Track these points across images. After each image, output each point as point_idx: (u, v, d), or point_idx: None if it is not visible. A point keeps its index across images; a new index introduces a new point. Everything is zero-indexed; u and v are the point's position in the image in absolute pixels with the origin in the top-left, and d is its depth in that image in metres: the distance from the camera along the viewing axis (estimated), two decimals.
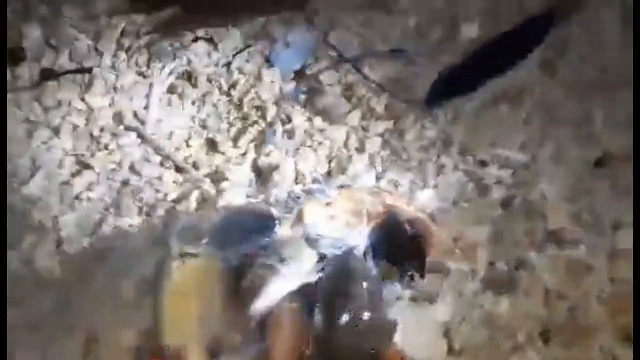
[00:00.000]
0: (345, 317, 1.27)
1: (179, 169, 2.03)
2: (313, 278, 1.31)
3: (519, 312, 1.45)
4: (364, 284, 1.32)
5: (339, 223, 1.43)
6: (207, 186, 1.93)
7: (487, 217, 1.65)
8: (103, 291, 1.67)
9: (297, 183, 1.87)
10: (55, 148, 2.16)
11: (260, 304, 1.26)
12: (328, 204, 1.46)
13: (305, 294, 1.29)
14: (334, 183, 1.81)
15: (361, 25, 2.33)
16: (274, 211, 1.52)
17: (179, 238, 1.43)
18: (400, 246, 1.44)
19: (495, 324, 1.45)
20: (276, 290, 1.27)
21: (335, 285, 1.31)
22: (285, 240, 1.36)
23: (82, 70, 2.38)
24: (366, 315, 1.28)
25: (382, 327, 1.30)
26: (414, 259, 1.44)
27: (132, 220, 1.92)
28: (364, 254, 1.41)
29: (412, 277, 1.46)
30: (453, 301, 1.46)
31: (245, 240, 1.38)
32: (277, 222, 1.47)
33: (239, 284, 1.31)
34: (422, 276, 1.43)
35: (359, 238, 1.42)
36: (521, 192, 1.71)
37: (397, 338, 1.29)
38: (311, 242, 1.38)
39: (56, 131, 2.20)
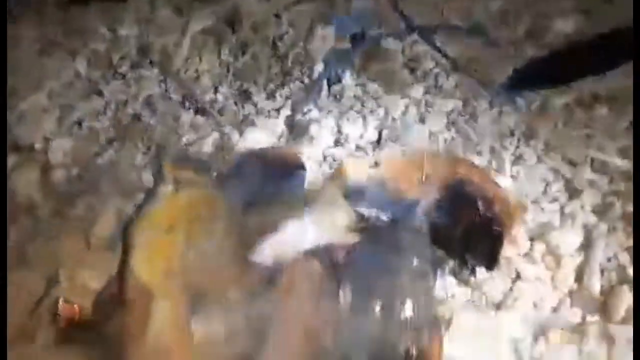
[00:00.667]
0: (380, 303, 0.90)
1: (200, 111, 1.71)
2: (348, 240, 0.94)
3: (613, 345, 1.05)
4: (415, 262, 0.95)
5: (388, 188, 1.07)
6: (229, 131, 1.60)
7: (578, 223, 1.27)
8: (78, 228, 1.36)
9: (336, 146, 1.53)
10: (68, 69, 1.89)
11: (269, 250, 0.89)
12: (376, 164, 1.10)
13: (333, 262, 0.92)
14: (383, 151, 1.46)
15: None
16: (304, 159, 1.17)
17: (179, 162, 1.08)
18: (466, 228, 1.07)
19: (580, 350, 1.05)
20: (294, 237, 0.90)
21: (375, 256, 0.94)
22: (317, 190, 1.00)
23: None
24: (409, 304, 0.90)
25: (427, 325, 0.92)
26: (481, 247, 1.07)
27: (134, 159, 1.61)
28: (417, 230, 1.03)
29: (473, 271, 1.09)
30: (526, 313, 1.08)
31: (265, 185, 1.03)
32: (305, 170, 1.12)
33: (245, 222, 0.95)
34: (489, 268, 1.06)
35: (413, 208, 1.04)
36: (620, 203, 1.33)
37: (454, 347, 0.91)
38: (351, 198, 1.01)
39: (73, 54, 1.94)
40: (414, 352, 0.88)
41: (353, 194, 1.03)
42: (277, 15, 2.00)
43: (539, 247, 1.19)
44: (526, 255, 1.17)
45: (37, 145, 1.65)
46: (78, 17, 2.08)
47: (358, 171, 1.12)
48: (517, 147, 1.53)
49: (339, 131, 1.58)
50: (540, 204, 1.32)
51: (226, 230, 0.94)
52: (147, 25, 2.02)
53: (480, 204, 1.06)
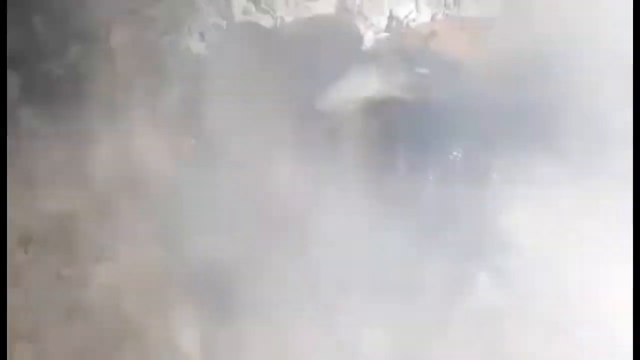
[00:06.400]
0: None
1: None
2: (405, 96, 0.99)
3: None
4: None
5: (444, 55, 1.09)
6: (282, 14, 1.62)
7: None
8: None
9: (387, 32, 1.54)
10: None
11: (335, 94, 0.97)
12: (433, 33, 1.12)
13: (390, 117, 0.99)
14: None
15: None
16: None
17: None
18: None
19: None
20: (357, 85, 0.97)
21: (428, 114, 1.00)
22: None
23: None
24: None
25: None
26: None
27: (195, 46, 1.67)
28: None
29: None
30: None
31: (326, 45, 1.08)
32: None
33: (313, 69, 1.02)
34: None
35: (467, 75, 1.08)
36: None
37: None
38: (408, 61, 1.06)
39: None
40: None
41: (411, 58, 1.07)
42: None
43: None
44: None
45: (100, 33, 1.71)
46: None
47: (415, 40, 1.15)
48: None
49: (391, 15, 1.58)
50: None
51: (292, 75, 1.01)
52: None
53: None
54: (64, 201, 1.30)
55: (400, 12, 1.46)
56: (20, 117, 1.61)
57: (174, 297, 1.10)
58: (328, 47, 1.08)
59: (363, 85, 0.98)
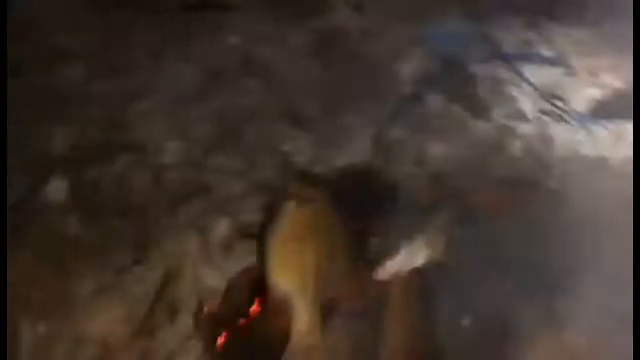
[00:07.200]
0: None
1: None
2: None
3: None
4: None
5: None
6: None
7: None
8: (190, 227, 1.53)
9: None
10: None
11: (392, 268, 1.05)
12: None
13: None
14: None
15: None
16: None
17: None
18: None
19: None
20: (410, 258, 1.05)
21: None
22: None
23: None
24: None
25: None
26: None
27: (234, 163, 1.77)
28: None
29: None
30: None
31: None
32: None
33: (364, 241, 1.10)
34: None
35: None
36: None
37: None
38: None
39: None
40: None
41: None
42: None
43: None
44: None
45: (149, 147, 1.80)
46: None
47: None
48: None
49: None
50: None
51: (347, 248, 1.10)
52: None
53: None
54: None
55: None
56: None
57: None
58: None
59: (414, 259, 1.08)
